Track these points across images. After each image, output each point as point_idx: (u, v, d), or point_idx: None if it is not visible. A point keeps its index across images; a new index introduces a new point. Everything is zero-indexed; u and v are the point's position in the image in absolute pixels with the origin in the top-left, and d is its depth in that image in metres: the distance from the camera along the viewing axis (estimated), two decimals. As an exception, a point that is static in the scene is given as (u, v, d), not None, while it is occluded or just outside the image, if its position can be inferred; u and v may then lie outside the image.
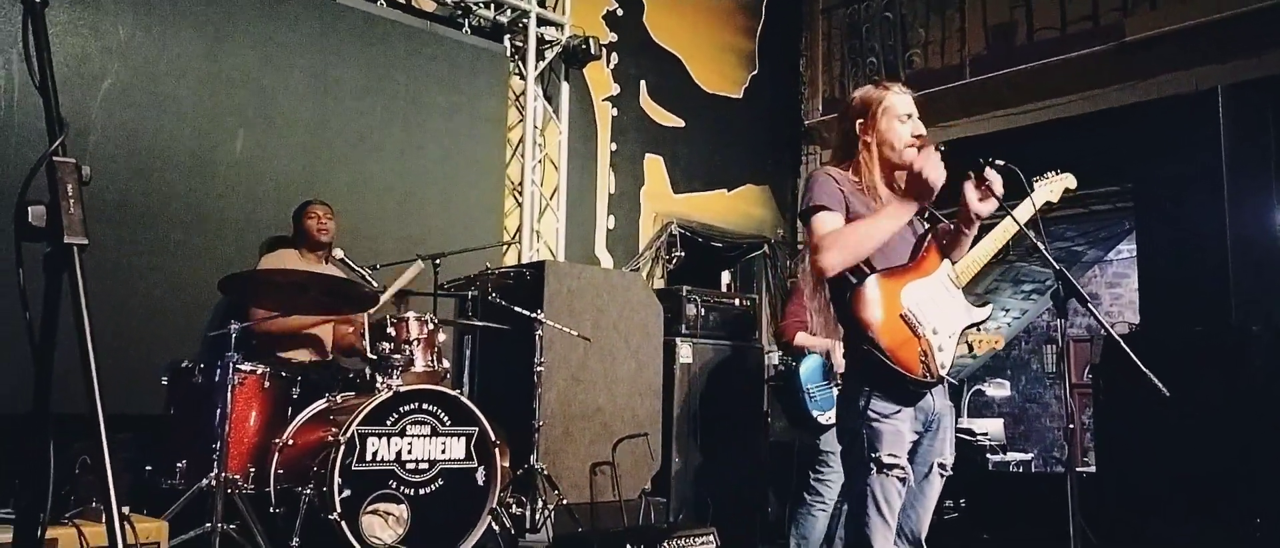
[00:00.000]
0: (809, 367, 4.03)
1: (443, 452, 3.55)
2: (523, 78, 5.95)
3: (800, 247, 6.65)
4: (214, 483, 3.25)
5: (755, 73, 7.52)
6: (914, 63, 7.20)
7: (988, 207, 2.40)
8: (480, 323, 4.38)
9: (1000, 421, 9.35)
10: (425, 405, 3.53)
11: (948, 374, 2.35)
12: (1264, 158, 5.59)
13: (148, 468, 3.61)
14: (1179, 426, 4.43)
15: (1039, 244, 2.40)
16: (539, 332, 4.43)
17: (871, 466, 2.23)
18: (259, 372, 3.63)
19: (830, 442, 3.92)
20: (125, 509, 2.86)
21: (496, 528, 3.74)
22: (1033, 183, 2.53)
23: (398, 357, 3.68)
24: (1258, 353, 4.77)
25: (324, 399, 3.67)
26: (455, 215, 5.41)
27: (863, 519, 2.24)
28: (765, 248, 7.28)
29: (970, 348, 4.24)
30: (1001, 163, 2.39)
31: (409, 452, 3.46)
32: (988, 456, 7.62)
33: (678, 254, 6.59)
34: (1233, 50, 5.61)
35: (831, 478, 3.90)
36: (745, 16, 7.54)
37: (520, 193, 5.93)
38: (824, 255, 2.24)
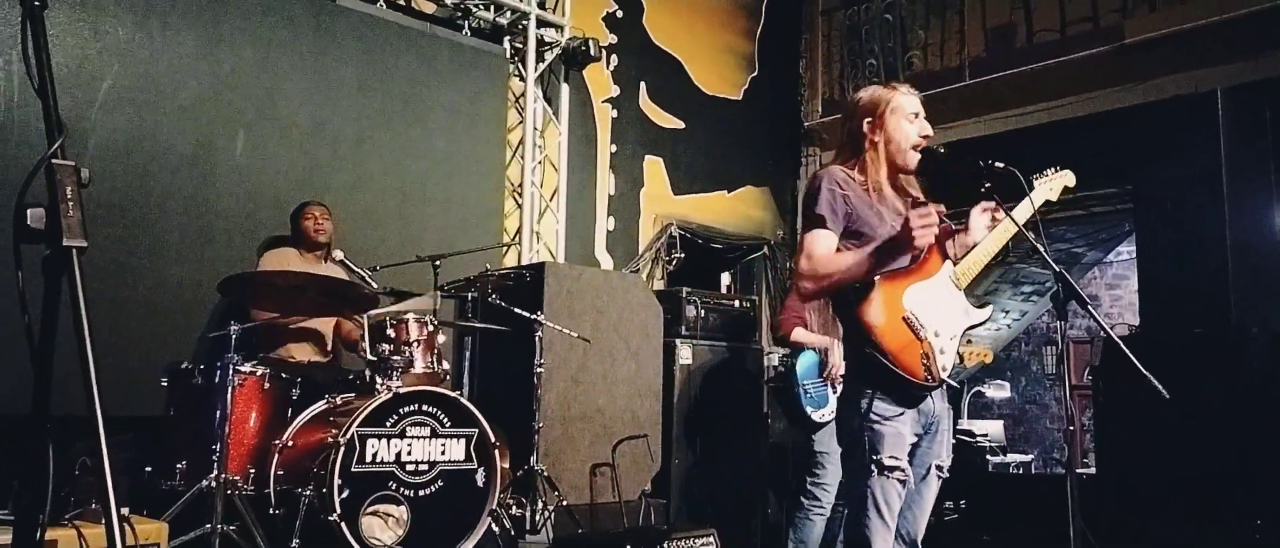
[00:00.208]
0: (805, 363, 4.02)
1: (442, 453, 3.55)
2: (522, 79, 5.95)
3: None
4: (214, 484, 3.25)
5: (755, 74, 7.52)
6: (913, 64, 7.20)
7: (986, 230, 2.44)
8: (480, 324, 4.38)
9: (1000, 422, 9.36)
10: (425, 407, 3.53)
11: (948, 377, 2.36)
12: (1263, 160, 5.60)
13: (147, 469, 3.60)
14: (1179, 427, 4.43)
15: (1038, 246, 2.40)
16: (539, 333, 4.43)
17: (872, 467, 2.23)
18: (259, 373, 3.63)
19: (824, 441, 3.90)
20: (125, 511, 2.86)
21: (496, 529, 3.74)
22: (1032, 181, 2.54)
23: (397, 358, 3.68)
24: (1256, 355, 4.78)
25: (324, 400, 3.67)
26: (455, 217, 5.41)
27: (863, 521, 2.25)
28: (765, 249, 7.28)
29: (960, 358, 4.24)
30: (1001, 165, 2.39)
31: (409, 453, 3.46)
32: (988, 457, 7.62)
33: (677, 256, 6.59)
34: (1232, 53, 5.61)
35: (827, 481, 3.89)
36: (745, 18, 7.55)
37: (520, 194, 5.93)
38: (804, 283, 2.31)
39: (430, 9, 5.59)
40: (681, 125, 6.91)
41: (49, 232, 1.27)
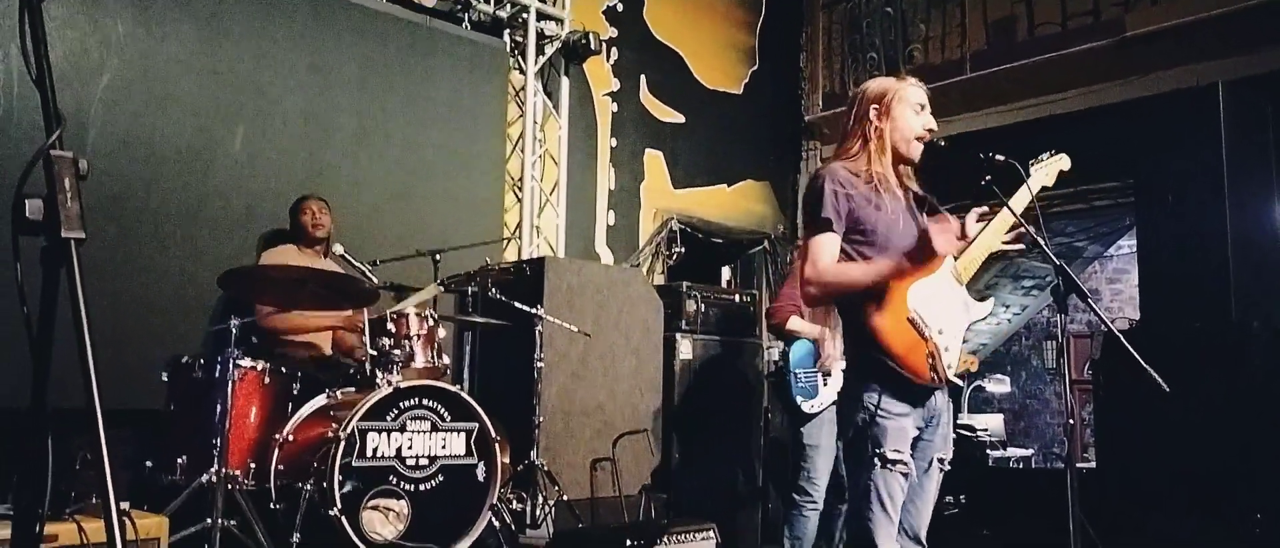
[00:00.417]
0: (799, 352, 4.01)
1: (443, 448, 3.55)
2: (522, 73, 5.94)
3: (799, 239, 6.62)
4: (214, 479, 3.25)
5: (755, 68, 7.50)
6: (914, 58, 7.18)
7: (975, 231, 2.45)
8: (480, 319, 4.38)
9: (1000, 416, 9.35)
10: (425, 401, 3.53)
11: (952, 375, 2.35)
12: (1265, 154, 5.58)
13: (148, 464, 3.61)
14: (1179, 422, 4.42)
15: (1039, 239, 2.40)
16: (539, 328, 4.43)
17: (876, 461, 2.23)
18: (259, 367, 3.63)
19: (813, 435, 3.90)
20: (125, 505, 2.86)
21: (497, 524, 3.74)
22: (1028, 168, 2.53)
23: (398, 352, 3.68)
24: (1258, 350, 4.77)
25: (324, 395, 3.67)
26: (455, 211, 5.40)
27: (866, 515, 2.25)
28: (765, 244, 7.27)
29: None
30: (1001, 158, 2.39)
31: (409, 448, 3.46)
32: (988, 452, 7.62)
33: (678, 250, 6.59)
34: (1234, 46, 5.60)
35: (817, 476, 3.88)
36: (745, 12, 7.53)
37: (520, 188, 5.93)
38: (810, 289, 2.31)
39: (430, 2, 5.58)
40: (682, 119, 6.90)
41: (47, 223, 1.27)
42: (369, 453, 3.36)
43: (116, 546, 1.19)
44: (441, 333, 3.95)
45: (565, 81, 6.13)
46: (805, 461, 3.90)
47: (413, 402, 3.50)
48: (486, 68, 5.73)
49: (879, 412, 2.24)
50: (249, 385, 3.59)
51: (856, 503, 2.31)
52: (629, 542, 3.59)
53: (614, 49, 6.49)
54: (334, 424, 3.38)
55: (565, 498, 4.27)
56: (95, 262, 3.98)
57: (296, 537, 3.23)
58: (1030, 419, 10.54)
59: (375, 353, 3.69)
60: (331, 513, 3.21)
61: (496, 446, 3.66)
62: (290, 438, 3.50)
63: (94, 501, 2.77)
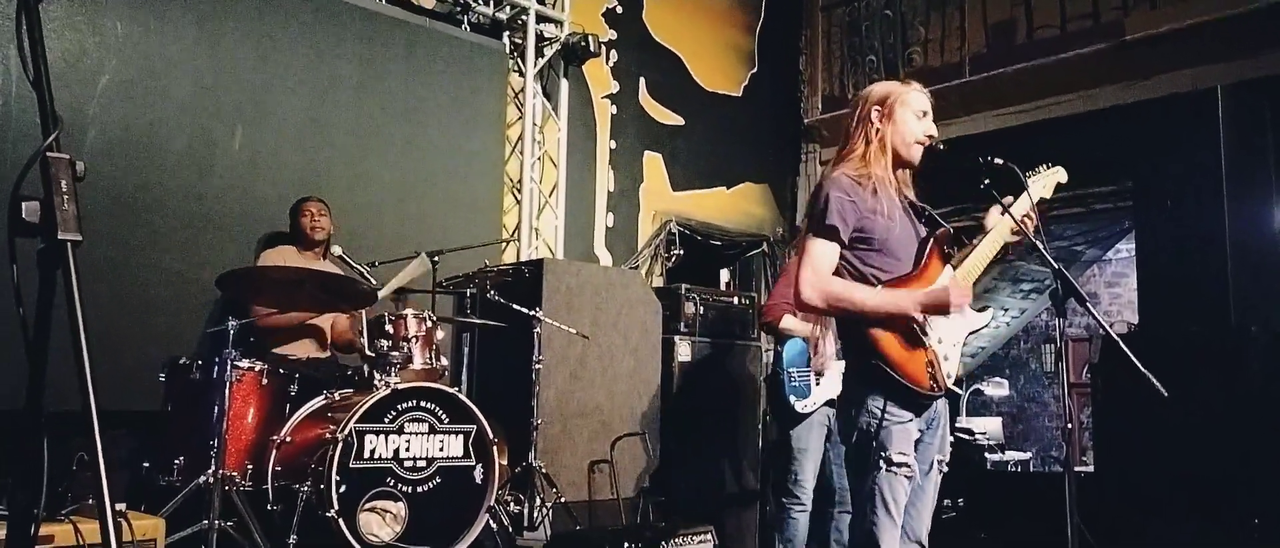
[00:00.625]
0: (791, 351, 3.98)
1: (441, 450, 3.54)
2: (522, 75, 5.94)
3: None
4: (211, 480, 3.25)
5: (755, 71, 7.51)
6: (914, 61, 7.19)
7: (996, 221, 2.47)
8: (479, 320, 4.38)
9: (998, 420, 9.34)
10: (423, 403, 3.53)
11: (951, 384, 2.36)
12: (1263, 158, 5.59)
13: (145, 465, 3.60)
14: (1178, 426, 4.42)
15: (1037, 243, 2.40)
16: (537, 329, 4.42)
17: (881, 464, 2.23)
18: (257, 368, 3.62)
19: (801, 437, 3.88)
20: (122, 506, 2.85)
21: (494, 526, 3.74)
22: (1026, 178, 2.53)
23: (396, 354, 3.68)
24: (1256, 354, 4.77)
25: (322, 396, 3.66)
26: (454, 212, 5.40)
27: (871, 519, 2.24)
28: (764, 246, 7.27)
29: None
30: (1000, 161, 2.39)
31: (407, 449, 3.46)
32: (986, 455, 7.61)
33: (676, 252, 6.59)
34: (1233, 50, 5.60)
35: (805, 479, 3.87)
36: (745, 14, 7.53)
37: (519, 190, 5.92)
38: (805, 291, 2.30)
39: (430, 4, 5.58)
40: (681, 121, 6.90)
41: (43, 225, 1.27)
42: (366, 455, 3.36)
43: (112, 547, 1.19)
44: (439, 335, 3.95)
45: (564, 84, 6.13)
46: (793, 463, 3.89)
47: (410, 403, 3.50)
48: (486, 70, 5.73)
49: (885, 416, 2.24)
50: (246, 387, 3.59)
51: (861, 507, 2.30)
52: (627, 544, 3.58)
53: (613, 51, 6.49)
54: (331, 426, 3.38)
55: (563, 500, 4.27)
56: (93, 263, 3.98)
57: (293, 538, 3.23)
58: (1028, 423, 10.54)
59: (373, 354, 3.69)
60: (329, 515, 3.21)
61: (494, 447, 3.65)
62: (288, 439, 3.50)
63: (90, 502, 2.76)
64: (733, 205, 7.21)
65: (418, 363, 3.76)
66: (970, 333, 2.46)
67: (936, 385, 2.28)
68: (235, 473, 3.41)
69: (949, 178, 2.42)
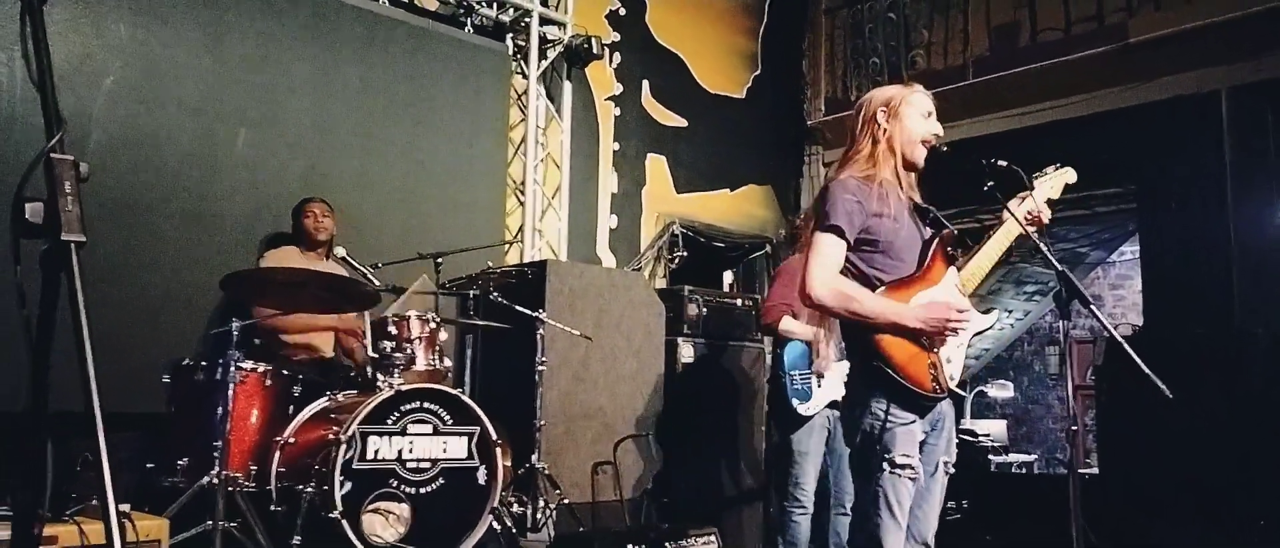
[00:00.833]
0: (792, 353, 3.95)
1: (444, 451, 3.54)
2: (525, 77, 5.94)
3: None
4: (215, 481, 3.25)
5: (758, 73, 7.51)
6: (917, 63, 7.19)
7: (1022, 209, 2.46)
8: (482, 322, 4.38)
9: (1003, 422, 9.34)
10: (427, 404, 3.53)
11: (955, 386, 2.35)
12: (1267, 161, 5.58)
13: (149, 466, 3.61)
14: (1181, 428, 4.42)
15: (1041, 245, 2.40)
16: (541, 331, 4.42)
17: (885, 466, 2.23)
18: (260, 370, 3.63)
19: (802, 440, 3.86)
20: (126, 507, 2.86)
21: (498, 527, 3.74)
22: (1032, 179, 2.53)
23: (399, 355, 3.68)
24: (1260, 356, 4.76)
25: (325, 398, 3.67)
26: (457, 214, 5.41)
27: (875, 521, 2.24)
28: (767, 248, 7.27)
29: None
30: (1004, 163, 2.39)
31: (410, 451, 3.46)
32: (990, 457, 7.60)
33: (680, 254, 6.59)
34: (1237, 53, 5.59)
35: (806, 481, 3.86)
36: (748, 17, 7.54)
37: (522, 192, 5.93)
38: (815, 288, 2.29)
39: (433, 6, 5.59)
40: (684, 123, 6.90)
41: (47, 226, 1.27)
42: (370, 456, 3.36)
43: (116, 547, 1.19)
44: (443, 336, 3.95)
45: (567, 86, 6.14)
46: (794, 467, 3.87)
47: (414, 405, 3.50)
48: (489, 72, 5.73)
49: (889, 418, 2.24)
50: (250, 388, 3.59)
51: (865, 509, 2.30)
52: (630, 546, 3.58)
53: (616, 53, 6.50)
54: (335, 427, 3.38)
55: (566, 501, 4.27)
56: (97, 264, 3.99)
57: (297, 539, 3.23)
58: (1032, 425, 10.52)
59: (376, 356, 3.69)
60: (332, 516, 3.21)
61: (497, 449, 3.65)
62: (291, 441, 3.50)
63: (94, 502, 2.77)
64: (736, 207, 7.21)
65: (421, 364, 3.76)
66: (974, 335, 2.45)
67: (939, 388, 2.28)
68: (239, 474, 3.42)
69: (952, 180, 2.41)
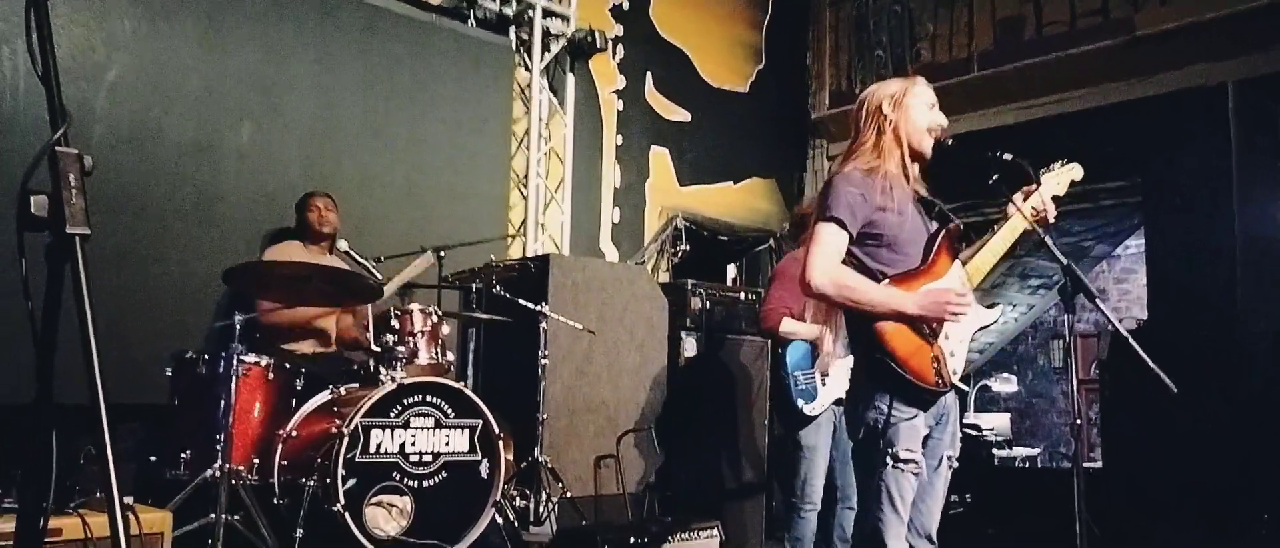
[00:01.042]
0: (795, 353, 3.92)
1: (446, 444, 3.55)
2: (528, 70, 5.93)
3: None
4: (218, 474, 3.26)
5: (762, 66, 7.49)
6: (921, 56, 7.16)
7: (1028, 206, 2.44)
8: (485, 316, 4.38)
9: (1006, 416, 9.33)
10: (429, 398, 3.53)
11: (958, 380, 2.34)
12: (1274, 155, 5.56)
13: (152, 458, 3.62)
14: (1185, 421, 4.41)
15: (1046, 239, 2.39)
16: (543, 325, 4.42)
17: (888, 460, 2.23)
18: (263, 363, 3.63)
19: (810, 437, 3.85)
20: (129, 500, 2.86)
21: (500, 521, 3.74)
22: (1039, 175, 2.52)
23: (402, 349, 3.68)
24: (1264, 352, 4.76)
25: (328, 391, 3.67)
26: (460, 208, 5.40)
27: (877, 514, 2.24)
28: (771, 242, 7.26)
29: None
30: (1009, 156, 2.38)
31: (413, 444, 3.46)
32: (994, 451, 7.61)
33: (683, 248, 6.58)
34: (1243, 46, 5.57)
35: (814, 478, 3.84)
36: (752, 10, 7.52)
37: (525, 186, 5.92)
38: (816, 277, 2.27)
39: (436, 0, 5.58)
40: (688, 117, 6.89)
41: (52, 219, 1.27)
42: (372, 449, 3.36)
43: (120, 540, 1.19)
44: (445, 330, 3.95)
45: (571, 79, 6.13)
46: (801, 463, 3.86)
47: (416, 398, 3.50)
48: (492, 65, 5.73)
49: (893, 412, 2.23)
50: (253, 381, 3.60)
51: (867, 503, 2.30)
52: (633, 540, 3.59)
53: (620, 46, 6.49)
54: (337, 420, 3.38)
55: (568, 495, 4.27)
56: (100, 257, 3.99)
57: (300, 532, 3.23)
58: (1036, 418, 10.52)
59: (379, 349, 3.69)
60: (335, 509, 3.22)
61: (500, 442, 3.66)
62: (294, 434, 3.51)
63: (98, 495, 2.78)
64: (739, 201, 7.20)
65: (424, 358, 3.76)
66: (979, 329, 2.45)
67: (942, 381, 2.27)
68: (242, 467, 3.42)
69: (957, 173, 2.41)
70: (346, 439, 3.26)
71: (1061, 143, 2.66)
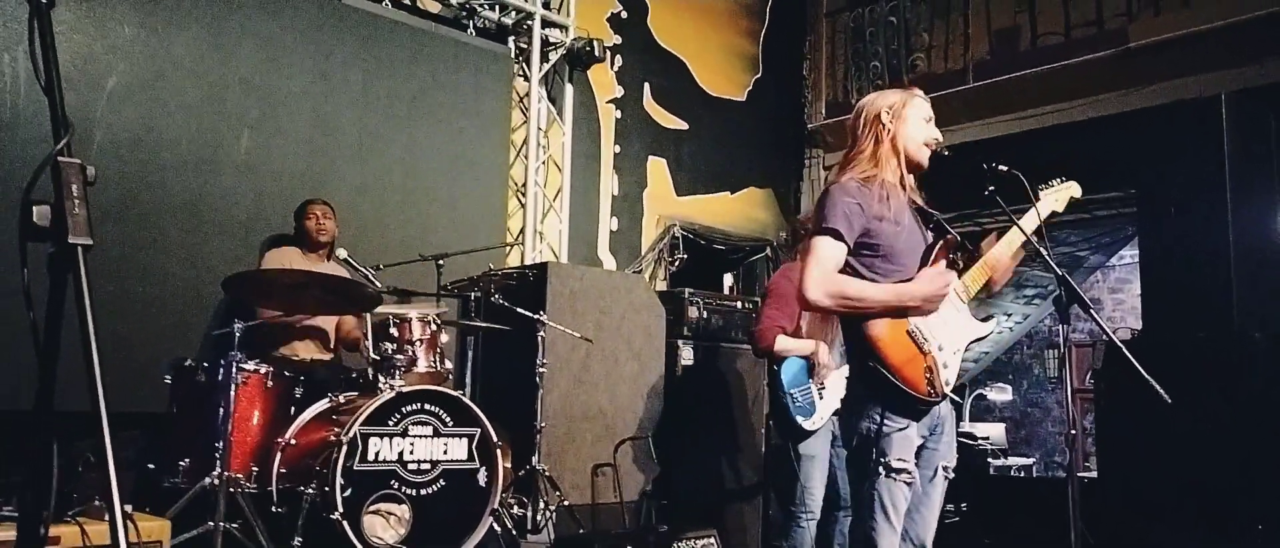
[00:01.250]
0: (790, 370, 3.92)
1: (445, 452, 3.55)
2: (527, 79, 5.96)
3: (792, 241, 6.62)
4: (216, 482, 3.26)
5: (759, 76, 7.52)
6: (917, 67, 7.20)
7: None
8: (483, 324, 4.38)
9: (1002, 425, 9.34)
10: (427, 406, 3.54)
11: (950, 390, 2.36)
12: (1267, 165, 5.59)
13: (150, 466, 3.61)
14: (1181, 431, 4.42)
15: (1042, 250, 2.40)
16: (541, 333, 4.43)
17: (880, 470, 2.23)
18: (262, 371, 3.63)
19: (811, 447, 3.85)
20: (128, 507, 2.86)
21: (498, 529, 3.74)
22: (1038, 190, 2.54)
23: (400, 357, 3.68)
24: (1259, 360, 4.77)
25: (327, 399, 3.67)
26: (459, 216, 5.42)
27: (870, 524, 2.25)
28: (768, 251, 7.28)
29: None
30: (1005, 168, 2.39)
31: (411, 452, 3.47)
32: (989, 460, 7.61)
33: (680, 256, 6.60)
34: (1237, 57, 5.60)
35: (814, 487, 3.85)
36: (749, 20, 7.55)
37: (523, 194, 5.94)
38: (812, 288, 2.29)
39: (435, 9, 5.60)
40: (685, 126, 6.91)
41: (54, 229, 1.27)
42: (371, 457, 3.37)
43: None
44: (444, 338, 3.95)
45: (569, 88, 6.15)
46: (800, 473, 3.86)
47: (415, 406, 3.51)
48: (491, 74, 5.75)
49: (885, 422, 2.24)
50: (251, 389, 3.60)
51: (860, 512, 2.31)
52: (630, 548, 3.59)
53: (618, 56, 6.51)
54: (336, 428, 3.39)
55: (566, 503, 4.28)
56: (99, 264, 4.00)
57: (298, 540, 3.24)
58: (1031, 428, 10.52)
59: (377, 358, 3.70)
60: (333, 517, 3.22)
61: (498, 451, 3.66)
62: (292, 442, 3.51)
63: (98, 503, 2.78)
64: (736, 210, 7.22)
65: (422, 366, 3.77)
66: (973, 341, 2.46)
67: (934, 391, 2.28)
68: (240, 475, 3.42)
69: (952, 184, 2.43)
70: (345, 448, 3.27)
71: (1056, 153, 2.69)
